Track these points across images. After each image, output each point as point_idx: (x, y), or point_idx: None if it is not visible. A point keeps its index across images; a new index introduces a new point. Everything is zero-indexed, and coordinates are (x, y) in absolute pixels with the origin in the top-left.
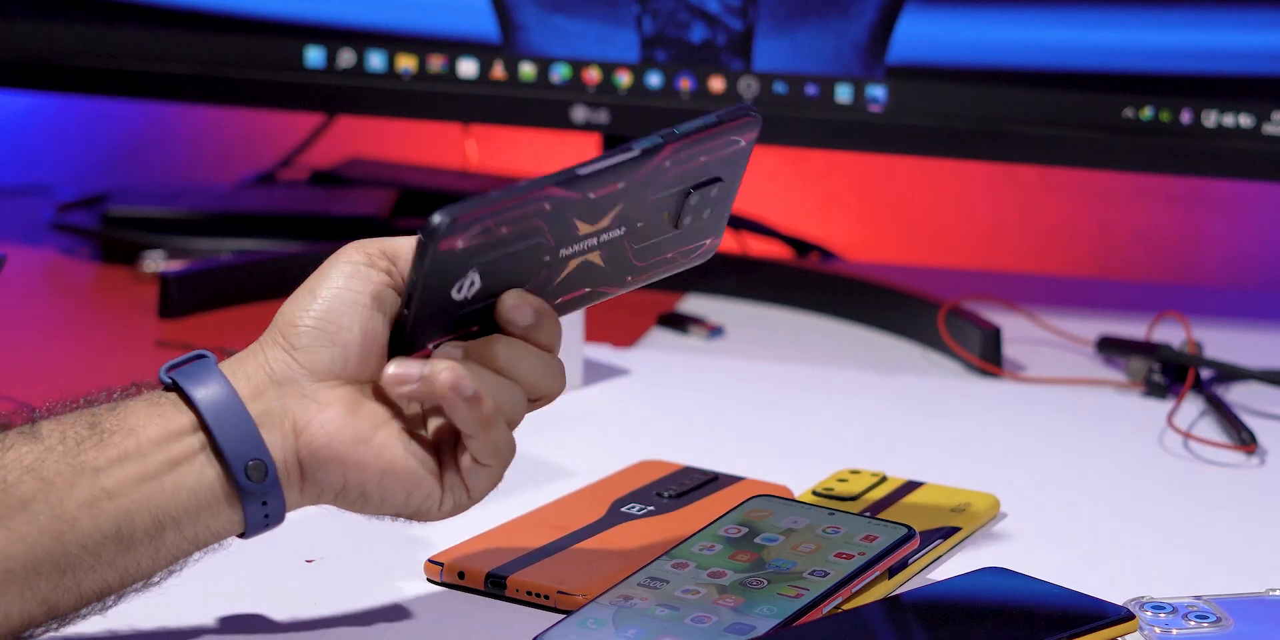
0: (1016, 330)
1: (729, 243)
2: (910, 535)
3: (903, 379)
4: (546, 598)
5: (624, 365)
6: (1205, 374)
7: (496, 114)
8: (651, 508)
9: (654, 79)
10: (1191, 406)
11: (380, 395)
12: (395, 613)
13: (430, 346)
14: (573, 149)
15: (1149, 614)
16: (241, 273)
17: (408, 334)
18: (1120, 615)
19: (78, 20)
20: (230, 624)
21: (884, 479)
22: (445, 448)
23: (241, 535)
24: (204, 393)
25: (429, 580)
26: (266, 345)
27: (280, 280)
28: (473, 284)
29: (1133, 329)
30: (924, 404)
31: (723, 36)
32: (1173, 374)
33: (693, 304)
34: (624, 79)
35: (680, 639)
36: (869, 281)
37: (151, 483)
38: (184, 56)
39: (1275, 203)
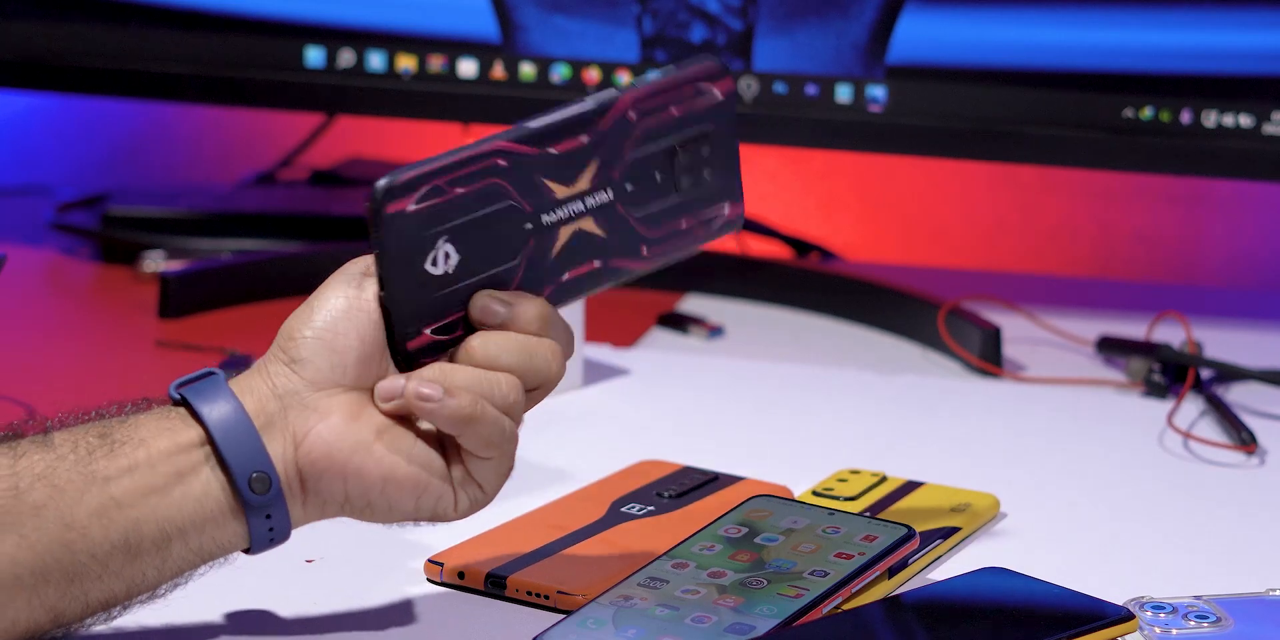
0: (1016, 330)
1: (729, 243)
2: (910, 535)
3: (903, 379)
4: (546, 598)
5: (624, 365)
6: (1205, 374)
7: (496, 114)
8: (651, 508)
9: (654, 78)
10: (1191, 406)
11: None
12: (395, 613)
13: (428, 332)
14: None
15: (1149, 614)
16: (241, 273)
17: (393, 317)
18: (1120, 615)
19: (78, 20)
20: (230, 624)
21: (884, 479)
22: (451, 446)
23: (248, 550)
24: (211, 407)
25: (429, 580)
26: (269, 361)
27: (280, 280)
28: (448, 256)
29: (1133, 329)
30: (924, 404)
31: (723, 36)
32: (1173, 374)
33: (693, 304)
34: (624, 79)
35: (680, 639)
36: (869, 281)
37: (159, 494)
38: (184, 56)
39: (1275, 203)
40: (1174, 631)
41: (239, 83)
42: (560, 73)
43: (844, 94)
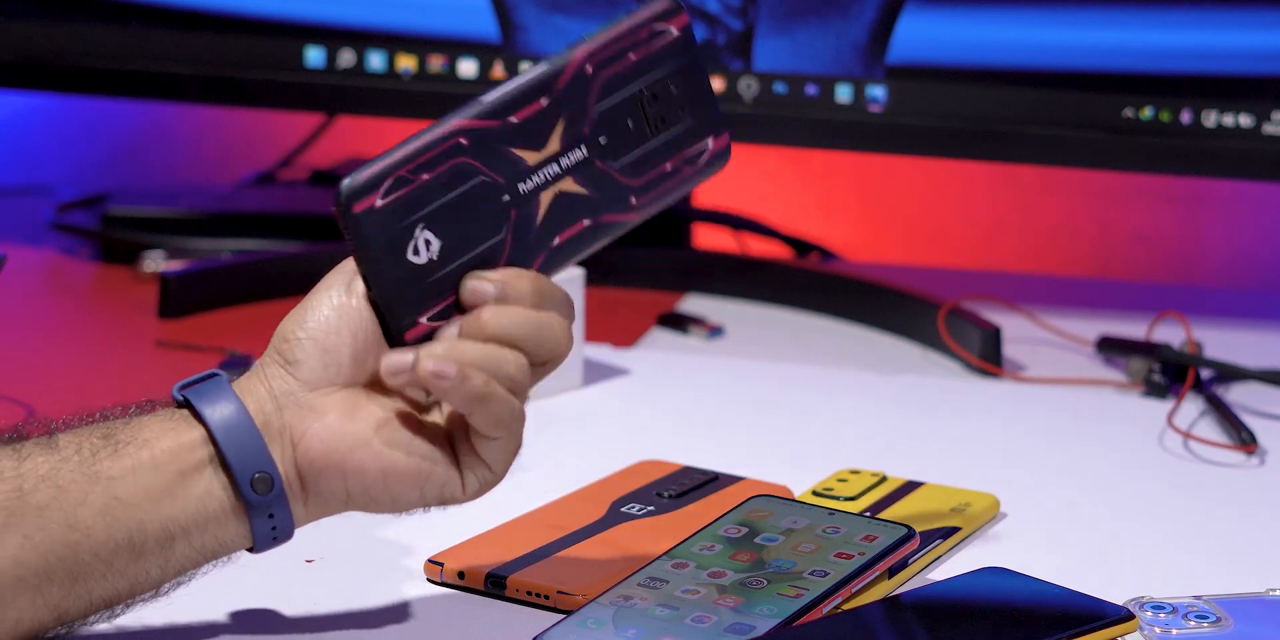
0: (1016, 330)
1: (729, 243)
2: (910, 535)
3: (903, 379)
4: (546, 598)
5: (624, 365)
6: (1205, 374)
7: None
8: (651, 508)
9: None
10: (1191, 406)
11: (382, 391)
12: (395, 613)
13: (424, 320)
14: None
15: (1149, 614)
16: (241, 273)
17: (385, 313)
18: (1120, 615)
19: (78, 20)
20: (231, 623)
21: (884, 479)
22: (457, 427)
23: (251, 549)
24: (213, 408)
25: (429, 580)
26: (266, 363)
27: (280, 280)
28: (429, 243)
29: (1133, 329)
30: (924, 404)
31: (723, 36)
32: (1173, 374)
33: (693, 304)
34: None
35: (680, 639)
36: (869, 281)
37: (162, 493)
38: (184, 56)
39: (1275, 203)
40: (1174, 631)
41: (239, 83)
42: None
43: (844, 94)
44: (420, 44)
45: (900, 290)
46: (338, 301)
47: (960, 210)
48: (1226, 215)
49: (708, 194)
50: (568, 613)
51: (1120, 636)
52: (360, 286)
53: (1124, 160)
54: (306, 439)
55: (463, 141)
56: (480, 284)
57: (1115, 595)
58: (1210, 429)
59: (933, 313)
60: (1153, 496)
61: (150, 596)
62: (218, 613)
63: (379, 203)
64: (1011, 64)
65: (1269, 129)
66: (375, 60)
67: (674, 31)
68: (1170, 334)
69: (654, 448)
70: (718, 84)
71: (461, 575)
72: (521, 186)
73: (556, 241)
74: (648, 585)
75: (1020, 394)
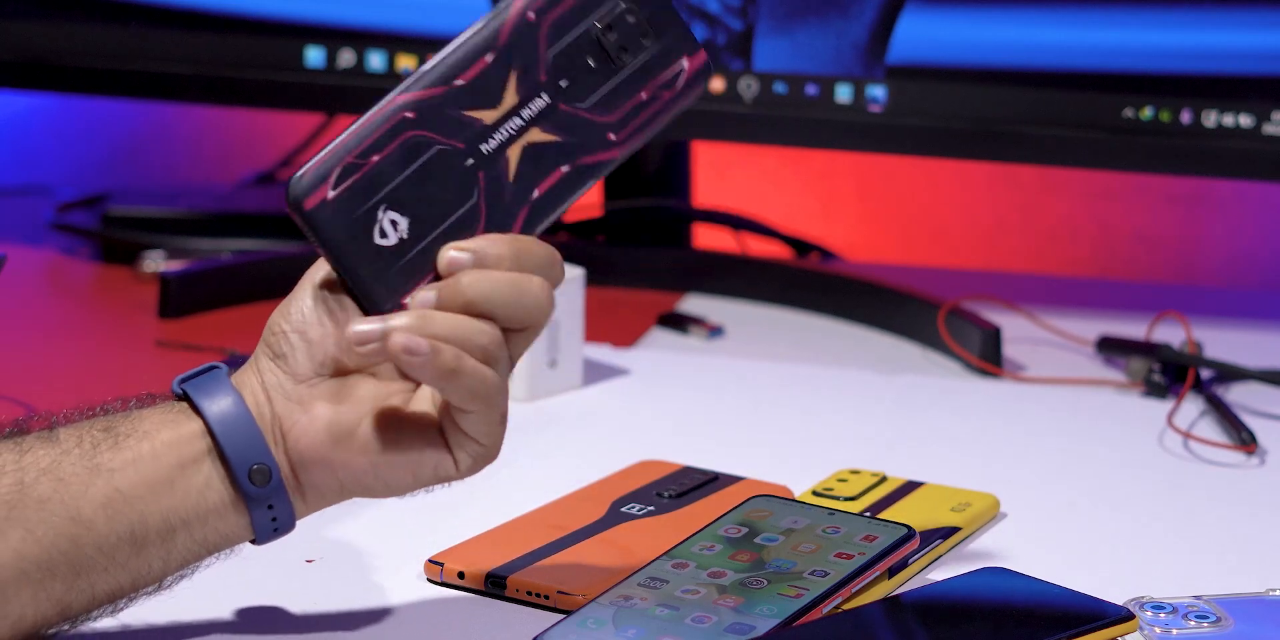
0: (1016, 330)
1: (729, 243)
2: (910, 535)
3: (903, 379)
4: (546, 598)
5: (624, 365)
6: (1205, 374)
7: None
8: (651, 508)
9: None
10: (1191, 406)
11: (370, 379)
12: (395, 613)
13: (407, 302)
14: None
15: (1149, 614)
16: (241, 273)
17: (363, 302)
18: (1120, 615)
19: (78, 20)
20: (230, 623)
21: (884, 479)
22: (441, 405)
23: (254, 541)
24: (211, 401)
25: (429, 580)
26: (258, 356)
27: (280, 280)
28: (395, 223)
29: (1133, 329)
30: (924, 404)
31: (723, 36)
32: (1173, 374)
33: (693, 304)
34: None
35: (680, 639)
36: (869, 281)
37: (163, 485)
38: (184, 56)
39: (1275, 203)
40: (1174, 631)
41: (239, 83)
42: None
43: (844, 94)
44: (420, 44)
45: (900, 290)
46: (320, 293)
47: (960, 210)
48: (1226, 215)
49: (708, 194)
50: (568, 613)
51: (1120, 636)
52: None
53: (1124, 160)
54: (294, 433)
55: (408, 115)
56: (455, 254)
57: (1115, 595)
58: (1210, 429)
59: (933, 313)
60: (1153, 496)
61: (153, 590)
62: (218, 612)
63: (330, 194)
64: (1011, 64)
65: (1269, 129)
66: (375, 60)
67: None
68: (1170, 334)
69: (654, 448)
70: (718, 84)
71: (461, 575)
72: (484, 147)
73: (536, 194)
74: (648, 585)
75: (1020, 394)
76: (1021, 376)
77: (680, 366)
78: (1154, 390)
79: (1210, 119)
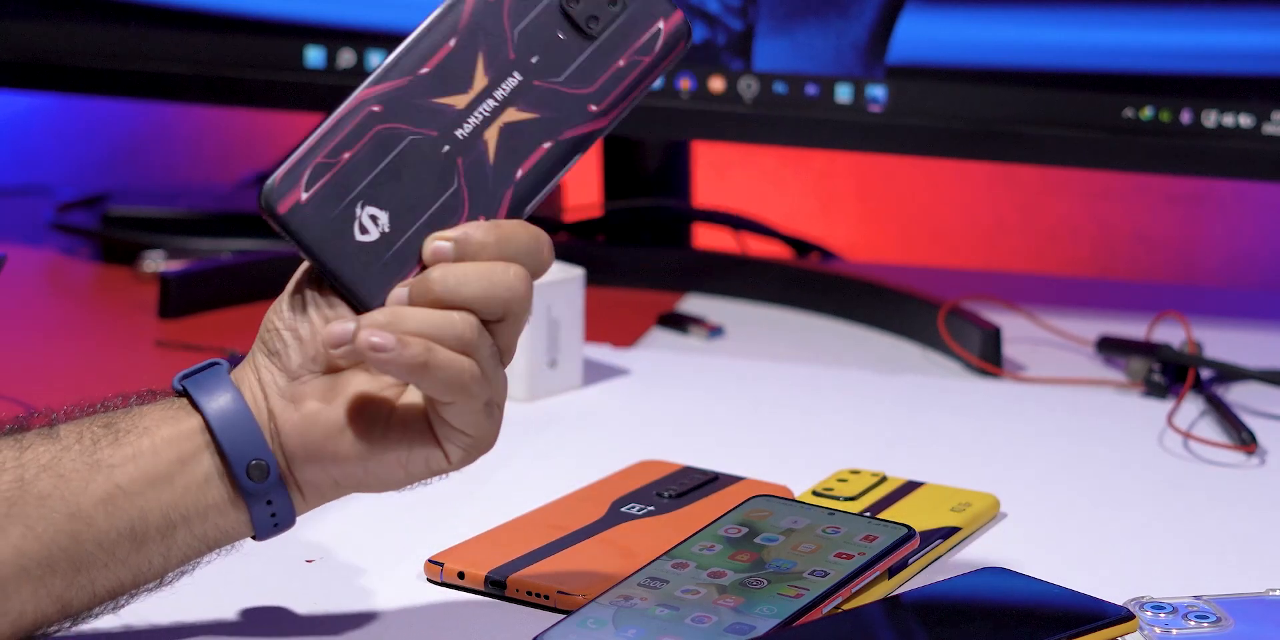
0: (1016, 330)
1: (729, 243)
2: (910, 535)
3: (903, 379)
4: (546, 598)
5: (624, 365)
6: (1205, 374)
7: None
8: (651, 508)
9: None
10: (1191, 406)
11: (363, 375)
12: (395, 613)
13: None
14: None
15: (1149, 614)
16: (241, 273)
17: (350, 299)
18: (1120, 615)
19: (78, 20)
20: (230, 624)
21: (884, 479)
22: (426, 399)
23: (254, 537)
24: (210, 397)
25: (429, 580)
26: (254, 353)
27: (280, 280)
28: (375, 218)
29: (1133, 329)
30: (924, 404)
31: (723, 36)
32: (1173, 374)
33: (693, 304)
34: None
35: (680, 639)
36: (869, 281)
37: (163, 480)
38: (184, 56)
39: (1275, 203)
40: (1174, 631)
41: (239, 83)
42: None
43: (844, 94)
44: None
45: (900, 290)
46: (310, 290)
47: (960, 210)
48: (1226, 215)
49: (708, 194)
50: (568, 613)
51: (1120, 636)
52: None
53: (1124, 160)
54: (286, 430)
55: (375, 109)
56: (438, 244)
57: (1115, 595)
58: (1210, 429)
59: (933, 313)
60: (1153, 496)
61: (154, 586)
62: (218, 612)
63: (304, 196)
64: (1011, 64)
65: (1269, 129)
66: (375, 60)
67: None
68: (1170, 334)
69: (654, 448)
70: (718, 83)
71: (461, 575)
72: (459, 132)
73: (520, 174)
74: (648, 585)
75: (1020, 394)
76: (1021, 376)
77: (680, 366)
78: (1154, 390)
79: (1210, 119)
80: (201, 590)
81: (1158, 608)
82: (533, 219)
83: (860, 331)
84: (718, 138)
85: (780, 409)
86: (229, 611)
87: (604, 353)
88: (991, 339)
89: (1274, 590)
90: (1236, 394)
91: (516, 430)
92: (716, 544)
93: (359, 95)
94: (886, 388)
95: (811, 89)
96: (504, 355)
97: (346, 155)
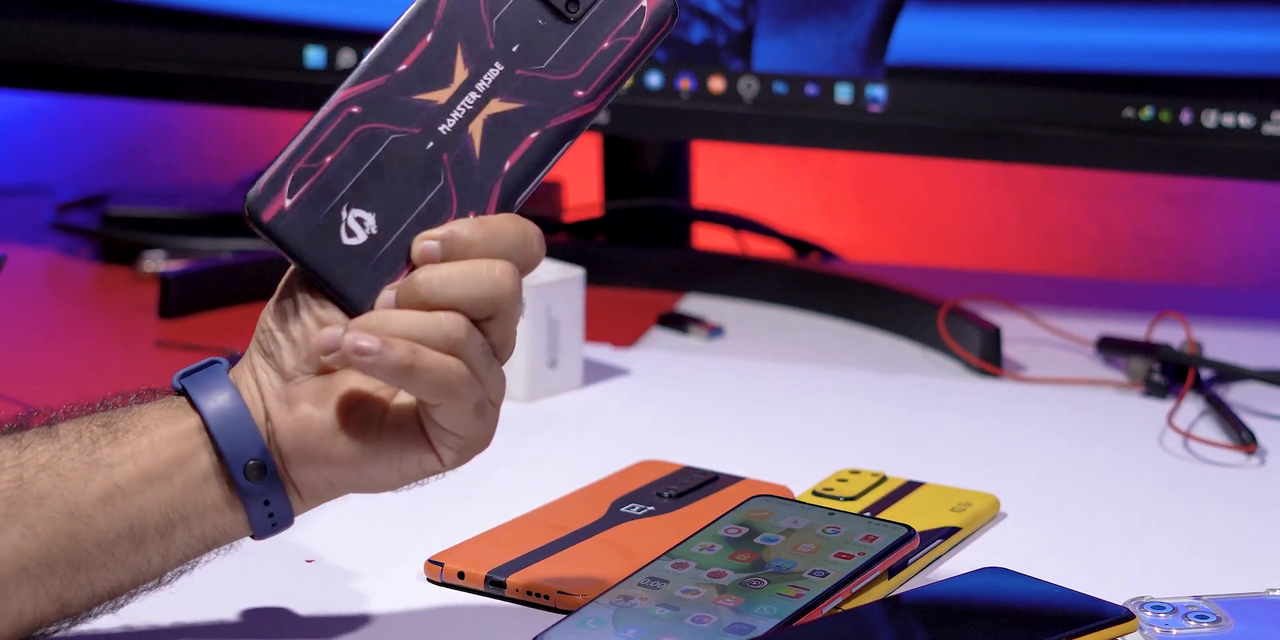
0: (1016, 330)
1: (729, 243)
2: (910, 535)
3: (903, 379)
4: (546, 598)
5: (624, 365)
6: (1205, 374)
7: None
8: (651, 508)
9: (654, 79)
10: (1191, 406)
11: (353, 375)
12: (395, 613)
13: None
14: (571, 150)
15: (1149, 614)
16: (241, 273)
17: (340, 303)
18: (1120, 615)
19: (78, 20)
20: (230, 623)
21: (884, 479)
22: (418, 401)
23: (253, 536)
24: (208, 396)
25: (429, 580)
26: (251, 353)
27: (280, 280)
28: (361, 221)
29: (1133, 329)
30: (924, 404)
31: (723, 36)
32: (1173, 374)
33: (693, 304)
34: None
35: (680, 639)
36: (869, 281)
37: (161, 479)
38: (184, 56)
39: (1275, 203)
40: (1174, 631)
41: (239, 83)
42: None
43: (844, 94)
44: None
45: (900, 290)
46: (302, 293)
47: (960, 210)
48: (1226, 215)
49: (708, 194)
50: (568, 613)
51: (1120, 636)
52: None
53: (1124, 160)
54: (280, 431)
55: (354, 110)
56: (425, 244)
57: (1115, 595)
58: (1210, 429)
59: (933, 313)
60: (1153, 496)
61: (153, 586)
62: (218, 612)
63: (287, 203)
64: (1011, 64)
65: (1269, 129)
66: None
67: None
68: (1170, 334)
69: (654, 448)
70: (718, 83)
71: (461, 575)
72: (442, 128)
73: (507, 166)
74: (648, 585)
75: (1020, 394)
76: (1021, 376)
77: (680, 366)
78: (1154, 390)
79: (1210, 119)
80: (201, 590)
81: (1158, 608)
82: (532, 219)
83: (860, 331)
84: (718, 138)
85: (780, 409)
86: (229, 611)
87: (604, 353)
88: (991, 339)
89: (1274, 590)
90: (1236, 394)
91: (516, 430)
92: (716, 544)
93: (337, 97)
94: (886, 388)
95: (811, 89)
96: (501, 352)
97: (329, 159)
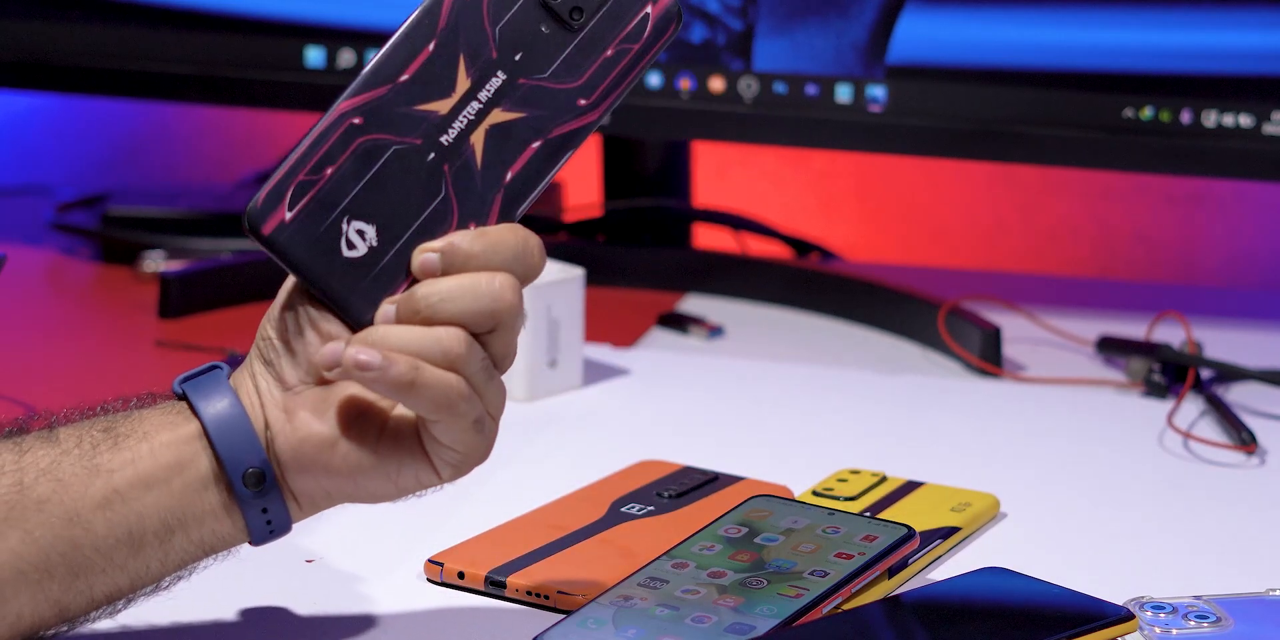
0: (1016, 330)
1: (729, 243)
2: (910, 535)
3: (903, 379)
4: (546, 598)
5: (624, 365)
6: (1205, 374)
7: None
8: (651, 508)
9: (654, 79)
10: (1191, 406)
11: (353, 386)
12: (395, 613)
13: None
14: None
15: (1149, 614)
16: (241, 273)
17: (341, 315)
18: (1120, 615)
19: (78, 20)
20: (230, 623)
21: (884, 479)
22: (418, 415)
23: (251, 543)
24: (208, 403)
25: (429, 580)
26: (251, 360)
27: (280, 280)
28: (362, 233)
29: (1133, 329)
30: (924, 404)
31: (723, 36)
32: (1173, 374)
33: (693, 304)
34: None
35: (680, 639)
36: (869, 281)
37: (160, 485)
38: (184, 56)
39: (1275, 203)
40: (1174, 631)
41: (239, 83)
42: None
43: (844, 94)
44: None
45: (900, 290)
46: (302, 304)
47: (960, 210)
48: (1226, 215)
49: (708, 194)
50: (568, 613)
51: (1120, 636)
52: None
53: (1124, 160)
54: (278, 441)
55: (355, 121)
56: (425, 256)
57: (1115, 595)
58: (1210, 429)
59: (933, 313)
60: (1153, 496)
61: (151, 591)
62: (218, 612)
63: (287, 216)
64: (1011, 64)
65: (1269, 129)
66: None
67: None
68: (1170, 334)
69: (654, 448)
70: (718, 83)
71: (461, 575)
72: (444, 138)
73: (510, 176)
74: (648, 585)
75: (1020, 394)
76: (1021, 376)
77: (680, 366)
78: (1154, 390)
79: (1210, 119)
80: (201, 590)
81: (1158, 608)
82: (532, 219)
83: (860, 331)
84: (718, 138)
85: (780, 409)
86: (228, 612)
87: (604, 353)
88: (991, 339)
89: (1274, 590)
90: (1236, 394)
91: (516, 430)
92: (716, 544)
93: (338, 108)
94: (886, 388)
95: (811, 89)
96: (501, 363)
97: (329, 170)
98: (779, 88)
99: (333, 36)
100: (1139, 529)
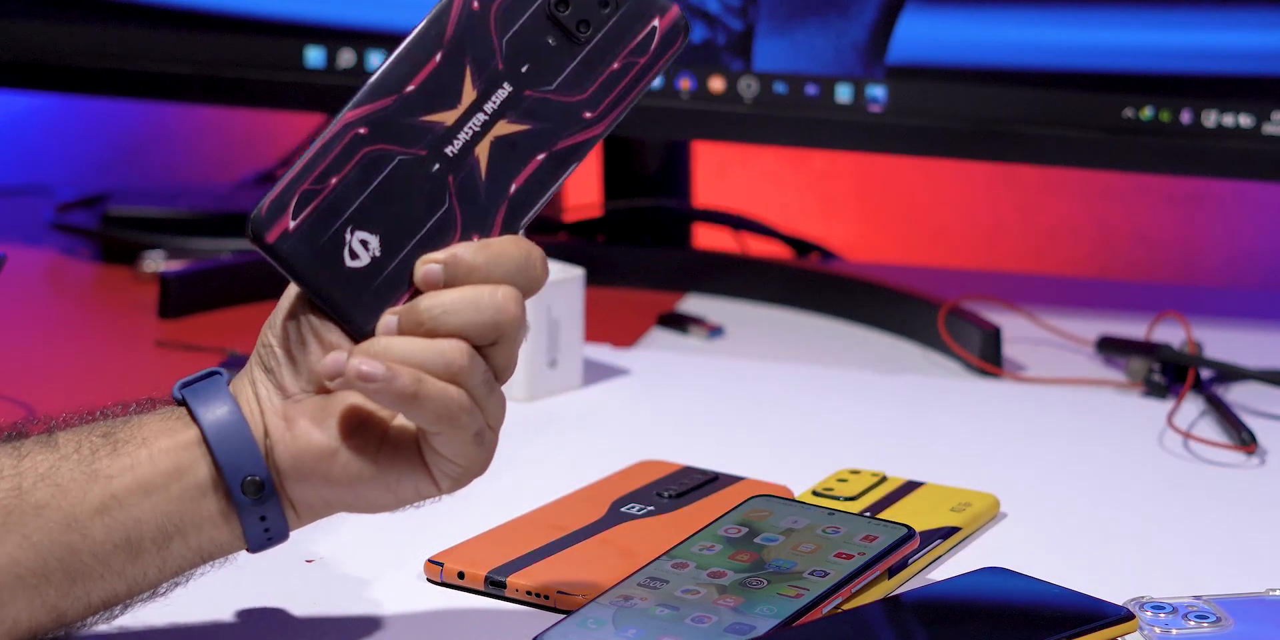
0: (1016, 330)
1: (729, 243)
2: (910, 535)
3: (903, 379)
4: (546, 598)
5: (624, 365)
6: (1205, 374)
7: None
8: (651, 508)
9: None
10: (1191, 406)
11: (353, 396)
12: (395, 613)
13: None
14: None
15: (1149, 614)
16: (241, 273)
17: (343, 325)
18: (1120, 615)
19: (78, 20)
20: (230, 624)
21: (884, 479)
22: (417, 427)
23: (248, 550)
24: (208, 409)
25: (429, 580)
26: (252, 366)
27: (280, 280)
28: (365, 243)
29: (1133, 329)
30: (924, 404)
31: (723, 36)
32: (1173, 374)
33: (693, 304)
34: None
35: (680, 639)
36: (869, 281)
37: (159, 491)
38: (184, 56)
39: (1275, 203)
40: (1174, 631)
41: (239, 83)
42: None
43: (844, 94)
44: None
45: (900, 290)
46: (303, 313)
47: (960, 210)
48: (1226, 215)
49: (708, 194)
50: (568, 613)
51: (1120, 636)
52: None
53: (1124, 160)
54: (278, 449)
55: (361, 132)
56: (427, 267)
57: (1115, 595)
58: (1210, 429)
59: (933, 313)
60: (1153, 496)
61: (148, 597)
62: (217, 613)
63: (291, 225)
64: (1011, 64)
65: (1269, 129)
66: (375, 60)
67: None
68: (1170, 334)
69: (654, 448)
70: (718, 83)
71: (461, 575)
72: (449, 149)
73: (513, 188)
74: (648, 585)
75: (1020, 394)
76: (1021, 376)
77: (680, 366)
78: (1154, 390)
79: (1210, 119)
80: (201, 591)
81: (1158, 608)
82: (532, 219)
83: (860, 331)
84: (718, 138)
85: (780, 409)
86: (228, 612)
87: (604, 353)
88: (991, 339)
89: (1274, 590)
90: (1236, 394)
91: (516, 430)
92: (716, 544)
93: (344, 117)
94: (886, 388)
95: (811, 89)
96: (502, 375)
97: (334, 180)
98: (779, 88)
99: (333, 36)
100: (1139, 529)
